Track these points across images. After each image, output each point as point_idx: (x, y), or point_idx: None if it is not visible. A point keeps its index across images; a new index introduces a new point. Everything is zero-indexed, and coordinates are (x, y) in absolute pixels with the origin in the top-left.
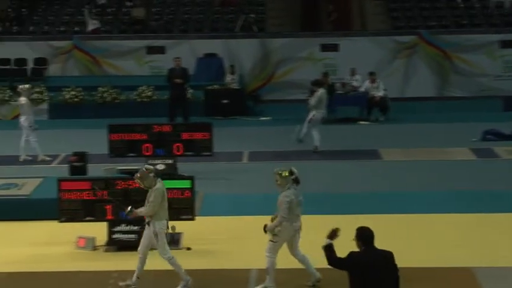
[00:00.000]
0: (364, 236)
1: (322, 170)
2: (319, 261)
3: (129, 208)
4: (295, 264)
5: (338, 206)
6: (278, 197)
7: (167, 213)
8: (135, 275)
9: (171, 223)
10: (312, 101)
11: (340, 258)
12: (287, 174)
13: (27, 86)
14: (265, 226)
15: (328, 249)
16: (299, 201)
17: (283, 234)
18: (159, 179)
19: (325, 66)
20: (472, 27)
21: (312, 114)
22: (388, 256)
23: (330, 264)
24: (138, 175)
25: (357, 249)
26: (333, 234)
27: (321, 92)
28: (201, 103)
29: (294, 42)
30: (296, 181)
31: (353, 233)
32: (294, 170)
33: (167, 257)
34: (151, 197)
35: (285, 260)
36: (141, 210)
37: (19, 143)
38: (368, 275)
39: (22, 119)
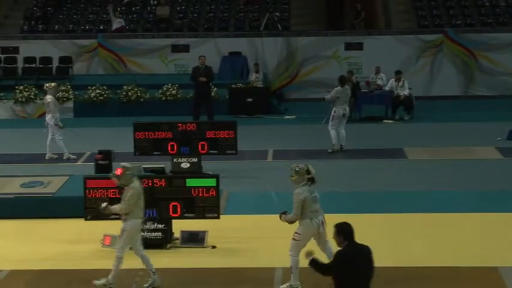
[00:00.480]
0: (345, 231)
1: (347, 169)
2: None
3: (104, 204)
4: None
5: (362, 205)
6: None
7: (142, 212)
8: (111, 275)
9: (196, 221)
10: (328, 95)
11: (329, 263)
12: (303, 171)
13: (53, 84)
14: (282, 213)
15: (315, 264)
16: (314, 198)
17: (306, 232)
18: (136, 178)
19: (350, 65)
20: (498, 25)
21: (332, 111)
22: (367, 250)
23: (324, 274)
24: (115, 173)
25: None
26: (308, 254)
27: (339, 88)
28: (225, 101)
29: (318, 41)
30: (311, 180)
31: (379, 233)
32: (311, 169)
33: (119, 253)
34: (127, 195)
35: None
36: (114, 207)
37: (45, 141)
38: (356, 268)
39: (48, 117)
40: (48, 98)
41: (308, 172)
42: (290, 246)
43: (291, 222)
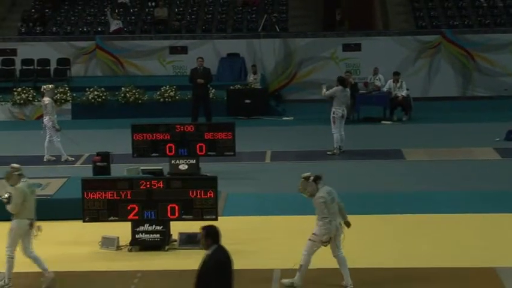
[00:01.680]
0: (213, 233)
1: (345, 170)
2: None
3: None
4: (325, 263)
5: (360, 206)
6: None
7: (31, 213)
8: (5, 276)
9: (193, 223)
10: (327, 91)
11: (206, 271)
12: (310, 180)
13: (50, 86)
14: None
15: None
16: (332, 199)
17: (318, 234)
18: (24, 179)
19: (348, 66)
20: (495, 26)
21: (331, 112)
22: (229, 254)
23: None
24: (6, 174)
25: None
26: None
27: (339, 87)
28: (223, 103)
29: (316, 42)
30: (319, 178)
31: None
32: (307, 173)
33: (9, 253)
34: (13, 196)
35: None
36: (7, 207)
37: (43, 143)
38: (226, 271)
39: (46, 119)
40: (46, 100)
41: (309, 177)
42: (306, 246)
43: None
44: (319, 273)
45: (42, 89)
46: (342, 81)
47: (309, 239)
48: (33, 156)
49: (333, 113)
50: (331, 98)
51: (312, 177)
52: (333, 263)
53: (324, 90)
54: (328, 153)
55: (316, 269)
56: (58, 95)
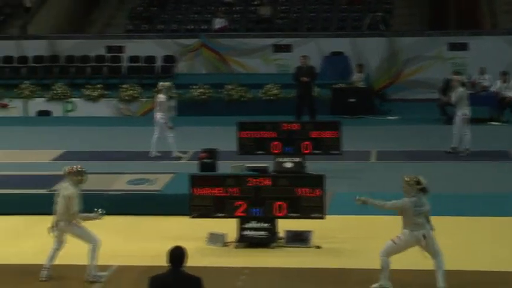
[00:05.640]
0: (171, 255)
1: (452, 171)
2: (451, 263)
3: None
4: (420, 265)
5: (467, 207)
6: None
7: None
8: None
9: (300, 221)
10: (453, 99)
11: None
12: (413, 182)
13: (167, 83)
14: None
15: None
16: (418, 211)
17: (403, 240)
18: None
19: (454, 66)
20: None
21: (460, 113)
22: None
23: None
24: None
25: None
26: None
27: (461, 89)
28: (327, 101)
29: (421, 41)
30: (423, 190)
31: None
32: (422, 179)
33: None
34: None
35: (410, 261)
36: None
37: (149, 139)
38: None
39: (159, 116)
40: (161, 97)
41: (418, 183)
42: (384, 247)
43: (379, 207)
44: (409, 274)
45: (158, 86)
46: (463, 84)
47: (391, 239)
48: (140, 152)
49: (464, 115)
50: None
51: (419, 187)
52: (423, 265)
53: (453, 100)
54: (461, 154)
55: (406, 270)
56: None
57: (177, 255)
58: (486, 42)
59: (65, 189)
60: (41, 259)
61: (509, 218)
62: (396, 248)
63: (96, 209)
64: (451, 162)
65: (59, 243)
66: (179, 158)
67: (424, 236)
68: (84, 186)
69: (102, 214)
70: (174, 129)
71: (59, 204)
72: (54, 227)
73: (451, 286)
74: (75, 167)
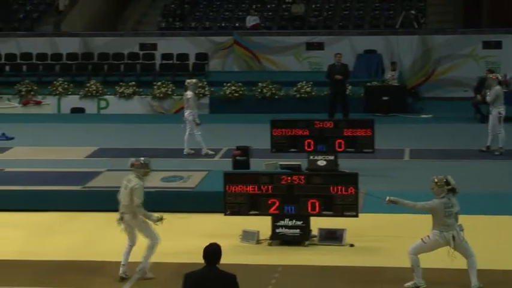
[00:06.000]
0: (205, 252)
1: (486, 170)
2: (483, 263)
3: None
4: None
5: (501, 206)
6: None
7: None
8: None
9: (333, 219)
10: (488, 99)
11: None
12: (442, 182)
13: (194, 80)
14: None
15: None
16: (449, 212)
17: (432, 240)
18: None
19: (488, 64)
20: None
21: (496, 112)
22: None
23: None
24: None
25: None
26: None
27: (498, 87)
28: (360, 99)
29: (455, 39)
30: (452, 191)
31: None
32: (451, 179)
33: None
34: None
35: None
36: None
37: (182, 137)
38: None
39: (187, 113)
40: (189, 94)
41: (447, 183)
42: (413, 245)
43: (410, 207)
44: (443, 273)
45: (185, 83)
46: (500, 82)
47: (421, 239)
48: (173, 149)
49: (499, 113)
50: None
51: (448, 187)
52: (457, 264)
53: (488, 99)
54: (496, 153)
55: (440, 268)
56: (197, 89)
57: (212, 252)
58: None
59: (130, 181)
60: (74, 255)
61: None
62: (425, 247)
63: (159, 215)
64: (485, 161)
65: (131, 239)
66: (209, 155)
67: (454, 237)
68: (119, 183)
69: (161, 220)
70: (201, 125)
71: (123, 196)
72: (120, 219)
73: (485, 285)
74: (141, 159)
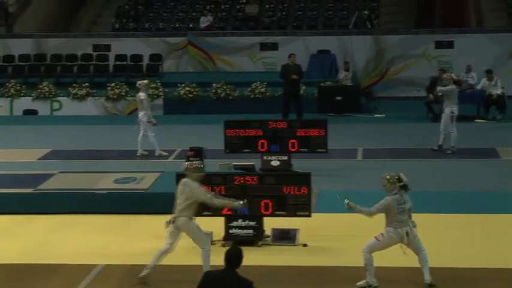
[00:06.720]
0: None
1: (438, 169)
2: (437, 260)
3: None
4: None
5: (454, 204)
6: None
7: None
8: None
9: (286, 219)
10: (443, 89)
11: None
12: (394, 179)
13: (145, 81)
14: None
15: None
16: (401, 208)
17: (386, 238)
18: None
19: (440, 64)
20: None
21: (449, 111)
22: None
23: None
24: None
25: None
26: None
27: (453, 86)
28: (314, 100)
29: (407, 39)
30: (404, 188)
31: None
32: (403, 176)
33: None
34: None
35: (405, 258)
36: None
37: (136, 138)
38: None
39: (140, 114)
40: (141, 95)
41: (399, 180)
42: (367, 244)
43: (366, 214)
44: (396, 272)
45: (137, 85)
46: (455, 82)
47: (375, 237)
48: (127, 151)
49: (452, 112)
50: (444, 96)
51: (400, 184)
52: (408, 262)
53: (442, 88)
54: (448, 152)
55: (393, 267)
56: (150, 90)
57: (233, 256)
58: (471, 41)
59: (185, 185)
60: (28, 258)
61: (495, 215)
62: (379, 245)
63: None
64: (437, 160)
65: (170, 243)
66: (163, 157)
67: (407, 233)
68: (72, 185)
69: (246, 204)
70: (155, 126)
71: (180, 202)
72: (171, 222)
73: (437, 283)
74: (195, 163)
